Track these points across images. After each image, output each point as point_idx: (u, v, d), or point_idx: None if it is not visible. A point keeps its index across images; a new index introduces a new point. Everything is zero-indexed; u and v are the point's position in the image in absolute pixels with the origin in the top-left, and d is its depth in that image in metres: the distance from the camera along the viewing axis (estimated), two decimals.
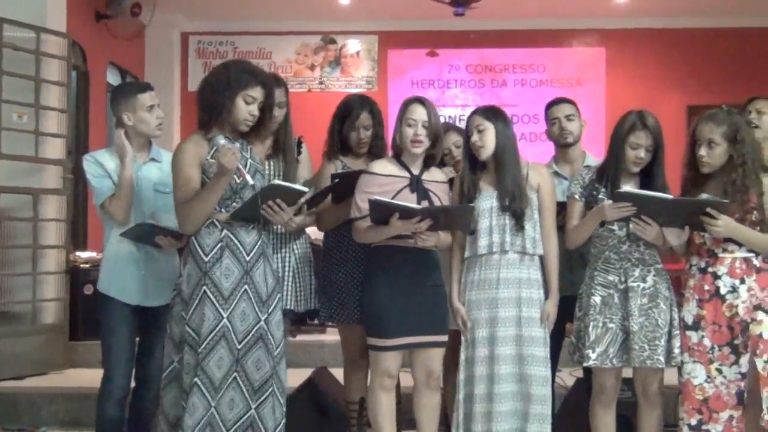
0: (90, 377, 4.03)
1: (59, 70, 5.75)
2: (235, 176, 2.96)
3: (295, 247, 3.65)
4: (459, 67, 9.16)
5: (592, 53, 9.12)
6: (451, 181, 3.52)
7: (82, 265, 5.72)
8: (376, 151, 3.72)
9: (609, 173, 3.35)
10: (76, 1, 6.66)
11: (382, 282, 3.30)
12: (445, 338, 3.38)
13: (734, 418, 3.14)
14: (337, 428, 4.06)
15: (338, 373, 4.33)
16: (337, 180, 3.48)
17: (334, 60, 9.20)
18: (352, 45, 9.21)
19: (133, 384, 3.48)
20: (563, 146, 3.94)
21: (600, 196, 3.34)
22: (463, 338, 3.37)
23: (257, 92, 3.04)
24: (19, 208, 5.47)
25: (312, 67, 9.19)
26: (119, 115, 3.44)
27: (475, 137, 3.33)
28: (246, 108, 3.02)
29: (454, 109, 8.99)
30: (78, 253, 5.95)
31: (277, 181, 3.00)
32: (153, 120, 3.41)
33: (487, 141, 3.32)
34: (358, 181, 3.36)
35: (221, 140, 2.95)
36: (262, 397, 3.00)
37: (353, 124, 3.71)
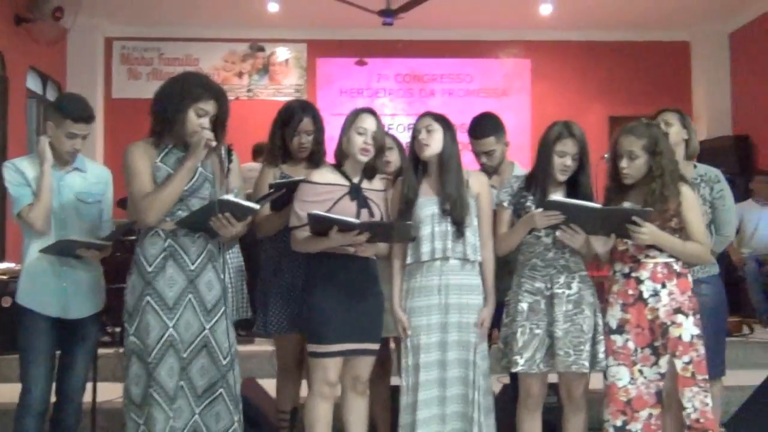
0: (8, 392, 3.89)
1: None
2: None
3: (229, 257, 3.60)
4: (388, 76, 9.22)
5: (518, 64, 9.29)
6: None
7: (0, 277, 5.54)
8: (316, 157, 3.70)
9: (537, 181, 3.41)
10: None
11: (321, 288, 3.29)
12: (377, 347, 3.39)
13: (653, 416, 3.20)
14: None
15: (266, 384, 4.29)
16: (283, 189, 3.43)
17: (263, 68, 9.15)
18: (281, 53, 9.18)
19: (54, 398, 3.38)
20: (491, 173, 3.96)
21: (528, 204, 3.38)
22: (403, 345, 3.37)
23: (209, 106, 3.00)
24: None
25: (240, 75, 9.12)
26: (46, 122, 3.37)
27: (423, 135, 3.36)
28: (196, 121, 2.98)
29: (383, 117, 8.95)
30: None
31: (230, 197, 2.95)
32: (65, 146, 3.31)
33: (434, 141, 3.35)
34: (298, 190, 3.34)
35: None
36: (205, 403, 2.97)
37: (295, 129, 3.67)
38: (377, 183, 3.46)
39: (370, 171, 3.40)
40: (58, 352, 3.39)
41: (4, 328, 5.30)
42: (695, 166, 3.75)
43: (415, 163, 3.42)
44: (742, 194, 7.34)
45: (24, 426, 3.24)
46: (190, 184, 2.98)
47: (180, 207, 2.97)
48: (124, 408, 2.96)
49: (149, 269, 2.91)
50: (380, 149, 3.37)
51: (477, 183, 3.45)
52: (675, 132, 3.72)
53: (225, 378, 3.01)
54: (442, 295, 3.32)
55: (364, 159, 3.30)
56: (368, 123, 3.30)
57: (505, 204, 3.46)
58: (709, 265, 3.59)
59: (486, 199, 3.46)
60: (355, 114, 3.36)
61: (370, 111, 3.39)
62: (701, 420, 3.19)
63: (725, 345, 3.76)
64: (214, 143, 2.96)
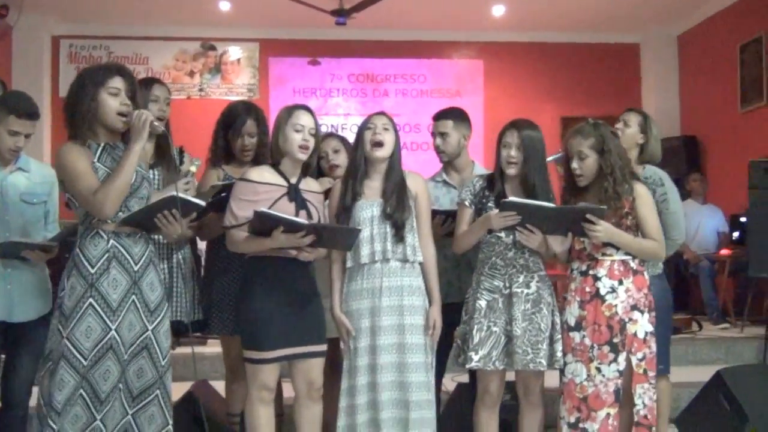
0: None
1: None
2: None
3: (179, 257, 3.55)
4: (341, 76, 9.20)
5: (470, 65, 9.35)
6: (327, 192, 3.51)
7: None
8: (260, 159, 3.65)
9: (496, 180, 3.43)
10: None
11: (259, 292, 3.21)
12: (324, 348, 3.34)
13: (611, 416, 3.23)
14: None
15: (218, 386, 4.25)
16: (223, 194, 3.39)
17: (214, 67, 9.07)
18: (233, 52, 9.11)
19: None
20: (446, 161, 3.99)
21: (489, 204, 3.40)
22: (344, 348, 3.35)
23: (117, 82, 2.91)
24: None
25: (191, 74, 9.03)
26: None
27: (379, 132, 3.32)
28: (114, 101, 2.89)
29: (337, 117, 9.03)
30: None
31: (177, 194, 2.90)
32: (7, 143, 3.23)
33: (388, 142, 3.34)
34: (234, 189, 3.27)
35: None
36: (141, 404, 2.92)
37: (238, 131, 3.65)
38: (314, 184, 3.42)
39: (306, 170, 3.35)
40: (2, 357, 3.32)
41: None
42: (644, 168, 3.77)
43: (356, 163, 3.39)
44: (685, 193, 7.50)
45: None
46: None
47: (120, 208, 2.87)
48: (37, 415, 2.84)
49: (92, 270, 2.83)
50: (315, 147, 3.33)
51: (414, 184, 3.43)
52: (630, 134, 3.76)
53: (162, 379, 2.96)
54: (383, 297, 3.28)
55: (303, 157, 3.24)
56: (305, 120, 3.25)
57: (467, 203, 3.46)
58: (651, 265, 3.62)
59: (424, 199, 3.44)
60: (289, 111, 3.29)
61: (305, 107, 3.34)
62: (648, 417, 3.24)
63: (669, 342, 3.80)
64: (160, 128, 2.93)
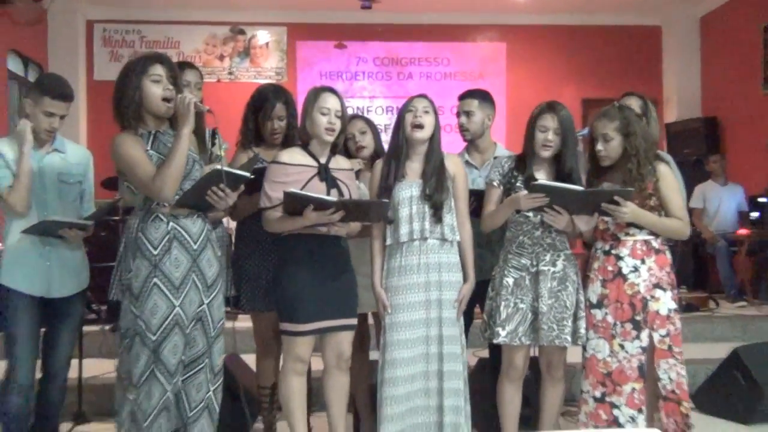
0: None
1: None
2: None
3: (214, 237, 3.58)
4: (366, 59, 9.18)
5: (493, 48, 9.28)
6: (358, 173, 3.52)
7: None
8: (289, 142, 3.65)
9: (526, 161, 3.42)
10: None
11: (295, 269, 3.25)
12: (354, 321, 3.37)
13: (636, 390, 3.23)
14: (249, 413, 4.03)
15: (248, 359, 4.29)
16: (254, 176, 3.42)
17: (243, 51, 9.07)
18: (262, 36, 9.10)
19: (40, 375, 3.36)
20: (469, 139, 3.99)
21: (518, 185, 3.39)
22: (383, 322, 3.37)
23: (158, 69, 2.96)
24: None
25: (221, 58, 9.04)
26: (24, 100, 3.34)
27: (420, 115, 3.33)
28: (156, 87, 2.94)
29: (362, 100, 9.01)
30: None
31: (222, 167, 2.94)
32: (43, 124, 3.27)
33: (428, 124, 3.35)
34: (267, 171, 3.29)
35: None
36: (190, 373, 2.99)
37: (268, 115, 3.65)
38: (344, 162, 3.43)
39: (335, 149, 3.37)
40: (43, 331, 3.36)
41: None
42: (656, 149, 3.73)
43: (398, 144, 3.40)
44: (706, 174, 7.43)
45: (9, 403, 3.21)
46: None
47: (177, 192, 2.93)
48: (117, 386, 2.94)
49: (155, 252, 2.89)
50: (343, 128, 3.34)
51: (452, 165, 3.44)
52: None
53: (210, 350, 3.03)
54: (422, 273, 3.32)
55: (330, 139, 3.26)
56: (331, 102, 3.26)
57: (495, 183, 3.46)
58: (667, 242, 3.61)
59: (461, 180, 3.45)
60: (316, 93, 3.30)
61: (331, 90, 3.34)
62: (676, 391, 3.24)
63: None
64: (204, 107, 2.96)
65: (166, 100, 2.94)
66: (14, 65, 7.77)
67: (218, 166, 2.96)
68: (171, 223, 2.93)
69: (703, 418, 4.49)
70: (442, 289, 3.33)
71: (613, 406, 3.24)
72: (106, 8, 8.71)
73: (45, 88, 3.28)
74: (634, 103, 3.77)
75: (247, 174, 3.06)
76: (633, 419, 3.22)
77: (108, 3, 8.59)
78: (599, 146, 3.30)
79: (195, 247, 2.97)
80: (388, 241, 3.36)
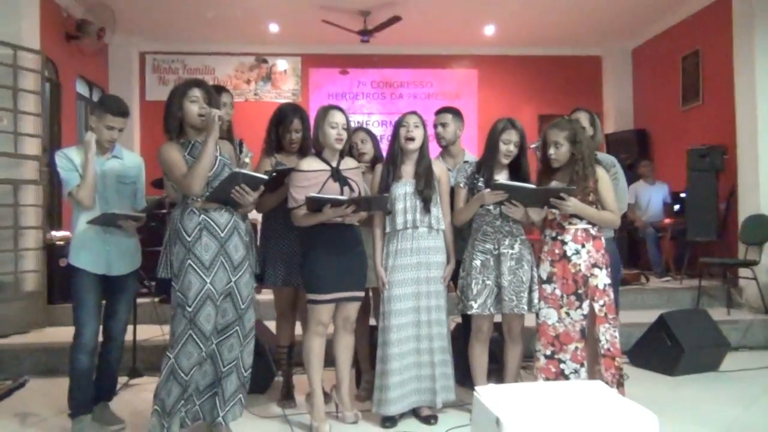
0: (64, 334, 3.84)
1: (34, 81, 5.43)
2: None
3: (242, 227, 3.54)
4: (365, 83, 9.14)
5: (467, 74, 9.25)
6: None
7: (57, 242, 5.45)
8: (304, 150, 3.65)
9: (486, 165, 3.41)
10: (49, 23, 6.31)
11: (318, 250, 3.26)
12: (362, 294, 3.40)
13: (578, 348, 3.24)
14: (271, 367, 4.02)
15: (270, 325, 4.28)
16: (273, 174, 3.41)
17: (266, 76, 9.03)
18: (281, 64, 9.06)
19: (101, 339, 3.34)
20: (444, 146, 3.97)
21: (479, 184, 3.39)
22: (384, 295, 3.37)
23: (195, 92, 2.99)
24: (3, 196, 5.18)
25: (248, 82, 9.00)
26: (90, 116, 3.33)
27: (411, 129, 3.37)
28: (194, 106, 2.97)
29: (362, 116, 8.98)
30: (53, 233, 5.67)
31: (240, 170, 2.94)
32: (105, 136, 3.26)
33: (418, 136, 3.38)
34: (291, 178, 3.31)
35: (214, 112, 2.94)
36: (223, 337, 2.99)
37: (287, 128, 3.63)
38: (351, 162, 3.43)
39: (342, 154, 3.38)
40: (104, 302, 3.34)
41: (61, 283, 5.26)
42: (596, 155, 3.70)
43: (394, 153, 3.41)
44: (637, 176, 7.43)
45: (77, 360, 3.20)
46: (213, 170, 2.95)
47: (207, 190, 2.94)
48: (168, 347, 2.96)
49: (189, 239, 2.89)
50: (349, 137, 3.36)
51: (438, 169, 3.49)
52: None
53: (241, 319, 3.02)
54: (414, 255, 3.34)
55: (339, 147, 3.28)
56: (338, 118, 3.28)
57: (462, 185, 3.46)
58: (604, 230, 3.59)
59: (445, 181, 3.49)
60: (325, 111, 3.31)
61: (338, 107, 3.35)
62: (611, 349, 3.24)
63: (618, 292, 3.72)
64: (225, 118, 2.97)
65: (201, 116, 2.96)
66: (82, 88, 7.72)
67: (242, 170, 2.95)
68: (202, 216, 2.93)
69: (636, 371, 4.50)
70: (430, 268, 3.36)
71: (560, 361, 3.24)
72: (156, 42, 8.67)
73: (107, 107, 3.27)
74: (583, 116, 3.75)
75: (263, 176, 3.05)
76: (576, 371, 3.22)
77: (157, 38, 8.54)
78: (551, 151, 3.27)
79: (222, 234, 2.96)
80: (387, 229, 3.38)
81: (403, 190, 3.36)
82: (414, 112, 3.44)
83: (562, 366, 3.23)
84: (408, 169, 3.41)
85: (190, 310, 2.85)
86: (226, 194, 2.93)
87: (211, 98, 3.02)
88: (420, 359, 3.35)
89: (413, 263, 3.34)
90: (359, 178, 3.39)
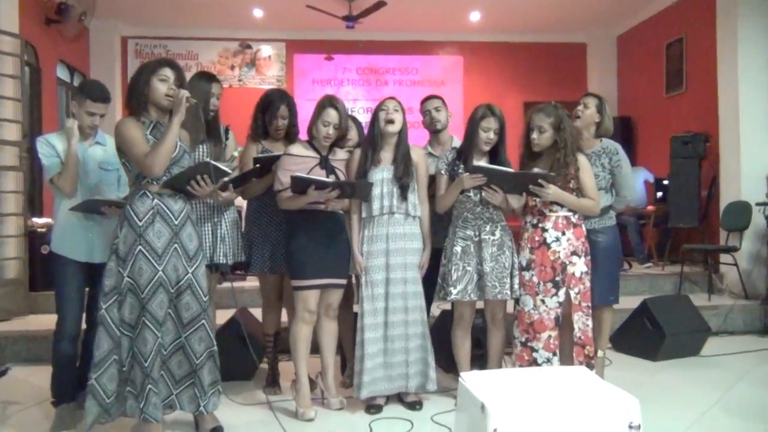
0: (47, 322, 3.81)
1: (13, 66, 5.34)
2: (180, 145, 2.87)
3: (226, 214, 3.52)
4: (350, 69, 9.09)
5: (453, 61, 9.23)
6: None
7: (38, 229, 5.39)
8: (290, 136, 3.64)
9: (466, 152, 3.40)
10: (29, 7, 6.20)
11: (302, 237, 3.27)
12: (344, 281, 3.41)
13: (552, 337, 3.24)
14: (256, 355, 4.01)
15: (255, 312, 4.27)
16: (257, 165, 3.40)
17: (250, 62, 8.95)
18: (265, 50, 8.98)
19: (84, 326, 3.31)
20: (434, 132, 3.96)
21: (460, 171, 3.39)
22: (362, 280, 3.37)
23: (167, 72, 2.87)
24: None
25: (232, 68, 8.92)
26: (71, 102, 3.26)
27: (391, 113, 3.34)
28: (162, 86, 2.85)
29: (347, 102, 8.85)
30: (35, 219, 5.60)
31: (210, 160, 2.87)
32: (86, 122, 3.21)
33: (398, 120, 3.36)
34: (280, 161, 3.31)
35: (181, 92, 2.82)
36: (191, 330, 2.88)
37: (274, 115, 3.60)
38: (341, 154, 3.44)
39: (335, 143, 3.39)
40: (87, 289, 3.31)
41: (43, 270, 5.21)
42: (601, 141, 3.67)
43: (374, 137, 3.38)
44: None
45: (59, 347, 3.18)
46: (173, 155, 2.84)
47: (165, 174, 2.83)
48: (119, 334, 2.81)
49: (140, 223, 2.78)
50: (343, 135, 3.37)
51: (416, 155, 3.45)
52: (589, 114, 3.63)
53: (206, 311, 2.93)
54: (390, 241, 3.33)
55: (326, 144, 3.31)
56: (332, 116, 3.28)
57: (443, 172, 3.46)
58: (605, 218, 3.59)
59: (423, 168, 3.47)
60: (323, 107, 3.31)
61: (334, 105, 3.32)
62: (582, 337, 3.26)
63: (618, 280, 3.67)
64: (193, 100, 2.85)
65: (168, 96, 2.84)
66: (62, 73, 7.61)
67: (212, 161, 2.87)
68: (156, 200, 2.82)
69: (619, 355, 4.55)
70: (406, 255, 3.35)
71: (533, 350, 3.25)
72: (138, 26, 8.56)
73: (87, 92, 3.22)
74: (591, 102, 3.67)
75: (229, 170, 3.00)
76: (548, 360, 3.23)
77: (140, 22, 8.43)
78: (534, 135, 3.27)
79: (176, 222, 2.85)
80: (364, 215, 3.37)
81: (381, 175, 3.34)
82: (393, 98, 3.43)
83: (534, 355, 3.24)
84: (386, 155, 3.39)
85: (142, 296, 2.76)
86: (185, 182, 2.84)
87: (183, 82, 2.92)
88: (392, 346, 3.32)
89: (386, 249, 3.33)
90: (345, 170, 3.40)
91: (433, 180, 3.57)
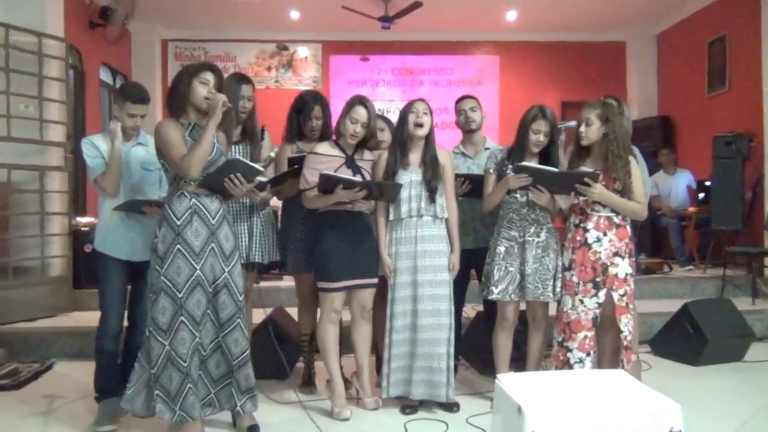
0: (90, 318, 3.91)
1: (59, 69, 5.48)
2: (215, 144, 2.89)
3: (261, 214, 3.57)
4: (386, 69, 9.11)
5: (489, 60, 9.17)
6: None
7: (82, 228, 5.53)
8: (325, 137, 3.63)
9: (515, 153, 3.38)
10: (73, 11, 6.36)
11: (329, 238, 3.27)
12: (375, 281, 3.39)
13: (588, 337, 3.19)
14: (292, 354, 4.05)
15: (292, 312, 4.30)
16: (296, 166, 3.42)
17: (287, 63, 9.04)
18: (302, 51, 9.06)
19: (126, 323, 3.38)
20: (468, 132, 3.94)
21: (508, 171, 3.36)
22: (390, 283, 3.37)
23: (208, 75, 2.91)
24: (29, 182, 5.25)
25: (269, 69, 9.01)
26: (113, 104, 3.34)
27: (420, 116, 3.32)
28: (202, 88, 2.88)
29: (382, 103, 8.94)
30: (79, 219, 5.74)
31: (239, 158, 2.91)
32: (127, 123, 3.27)
33: (427, 123, 3.34)
34: (305, 160, 3.32)
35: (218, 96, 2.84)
36: (227, 330, 2.92)
37: (308, 116, 3.62)
38: (368, 155, 3.43)
39: (363, 144, 3.38)
40: (129, 287, 3.38)
41: (86, 268, 5.34)
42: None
43: (402, 139, 3.37)
44: (659, 165, 7.31)
45: (102, 345, 3.24)
46: (210, 156, 2.87)
47: (202, 175, 2.87)
48: (148, 334, 2.86)
49: (178, 223, 2.82)
50: (371, 136, 3.35)
51: (442, 157, 3.42)
52: (594, 130, 3.51)
53: (241, 311, 2.96)
54: (418, 244, 3.31)
55: (353, 143, 3.30)
56: (360, 114, 3.28)
57: (491, 171, 3.44)
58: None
59: (449, 170, 3.44)
60: (352, 104, 3.31)
61: (364, 103, 3.32)
62: (631, 340, 3.21)
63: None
64: (229, 104, 2.87)
65: (207, 99, 2.88)
66: (105, 76, 7.79)
67: (240, 158, 2.90)
68: (193, 200, 2.86)
69: (659, 360, 4.47)
70: (432, 257, 3.32)
71: (568, 350, 3.21)
72: (178, 29, 8.71)
73: (127, 94, 3.28)
74: (594, 115, 3.60)
75: (260, 168, 3.02)
76: (581, 360, 3.18)
77: (180, 25, 8.58)
78: (582, 128, 3.23)
79: (213, 221, 2.89)
80: (391, 217, 3.36)
81: (409, 177, 3.32)
82: (422, 100, 3.41)
83: (568, 355, 3.20)
84: (414, 157, 3.37)
85: (180, 296, 2.79)
86: (220, 181, 2.87)
87: (222, 87, 2.96)
88: (419, 350, 3.30)
89: (413, 252, 3.31)
90: (371, 171, 3.39)
91: (467, 178, 3.56)
